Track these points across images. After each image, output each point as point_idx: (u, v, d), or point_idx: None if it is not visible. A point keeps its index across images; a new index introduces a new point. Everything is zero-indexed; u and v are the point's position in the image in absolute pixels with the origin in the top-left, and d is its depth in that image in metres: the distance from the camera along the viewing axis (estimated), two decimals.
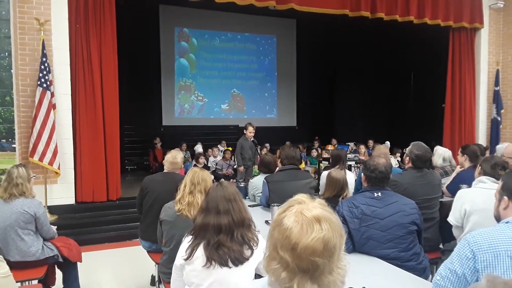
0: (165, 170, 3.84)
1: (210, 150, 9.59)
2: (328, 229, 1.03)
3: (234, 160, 7.25)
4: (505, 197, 1.78)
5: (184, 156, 9.11)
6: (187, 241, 2.04)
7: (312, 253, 1.01)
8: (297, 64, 12.93)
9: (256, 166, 6.61)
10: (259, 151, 7.20)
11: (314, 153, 9.76)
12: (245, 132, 6.66)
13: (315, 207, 1.07)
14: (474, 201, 2.83)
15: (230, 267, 1.93)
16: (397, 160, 7.90)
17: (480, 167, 3.07)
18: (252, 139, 6.68)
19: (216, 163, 9.10)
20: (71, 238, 3.67)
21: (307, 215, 1.04)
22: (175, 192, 3.17)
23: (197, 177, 2.74)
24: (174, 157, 3.78)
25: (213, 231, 1.97)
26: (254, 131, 6.62)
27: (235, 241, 1.96)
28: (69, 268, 3.53)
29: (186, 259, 1.98)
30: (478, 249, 1.53)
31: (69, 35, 5.79)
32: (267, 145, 9.94)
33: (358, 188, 3.94)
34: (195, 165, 8.45)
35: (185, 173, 8.19)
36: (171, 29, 11.32)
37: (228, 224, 1.97)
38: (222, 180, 2.43)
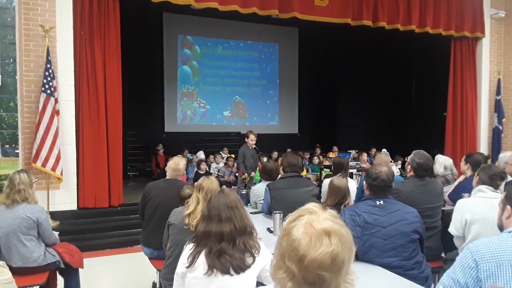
0: (167, 177, 3.85)
1: (211, 156, 9.61)
2: (337, 244, 1.01)
3: (237, 168, 7.24)
4: (508, 206, 1.79)
5: (188, 158, 9.19)
6: (188, 248, 2.05)
7: (319, 267, 0.99)
8: (299, 72, 12.97)
9: (253, 173, 6.62)
10: (260, 158, 7.20)
11: (316, 160, 9.77)
12: (246, 140, 6.65)
13: (326, 219, 1.05)
14: (475, 210, 2.83)
15: (231, 275, 1.93)
16: (399, 168, 7.89)
17: (477, 177, 3.07)
18: (254, 146, 6.69)
19: (219, 170, 9.12)
20: (73, 244, 3.67)
21: (317, 228, 1.02)
22: (179, 200, 3.17)
23: (210, 193, 2.61)
24: (176, 164, 3.80)
25: (215, 239, 1.97)
26: (255, 138, 6.61)
27: (237, 249, 1.96)
28: (71, 274, 3.53)
29: (187, 267, 1.98)
30: (481, 258, 1.53)
31: (73, 42, 5.84)
32: (276, 153, 9.93)
33: (360, 196, 3.94)
34: (196, 172, 8.47)
35: (187, 179, 8.12)
36: (174, 37, 11.39)
37: (230, 232, 1.97)
38: (224, 187, 2.43)
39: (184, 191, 3.23)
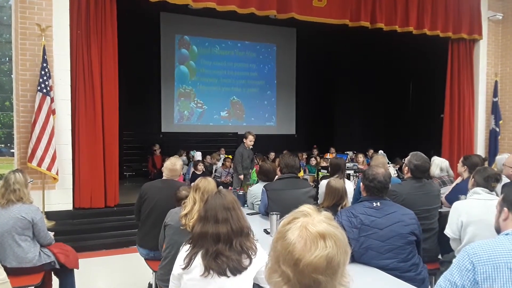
0: (164, 177, 3.83)
1: (208, 157, 9.58)
2: (333, 247, 1.00)
3: (234, 168, 7.21)
4: (505, 209, 1.79)
5: (192, 154, 9.18)
6: (185, 250, 2.03)
7: (315, 271, 0.98)
8: (296, 73, 12.98)
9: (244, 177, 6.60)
10: (256, 159, 7.20)
11: (313, 161, 9.76)
12: (244, 141, 6.65)
13: (321, 221, 1.04)
14: (470, 212, 2.84)
15: (228, 277, 1.92)
16: (396, 170, 7.89)
17: (473, 179, 3.08)
18: (251, 147, 6.69)
19: (215, 170, 9.10)
20: (68, 245, 3.65)
21: (312, 231, 1.01)
22: (176, 201, 3.15)
23: (207, 193, 2.62)
24: (173, 164, 3.78)
25: (212, 240, 1.96)
26: (253, 139, 6.62)
27: (233, 250, 1.95)
28: (66, 274, 3.51)
29: (184, 268, 1.96)
30: (478, 261, 1.52)
31: (70, 41, 5.81)
32: (273, 153, 9.92)
33: (357, 198, 3.93)
34: (193, 172, 8.44)
35: (184, 180, 8.05)
36: (171, 36, 11.37)
37: (226, 233, 1.96)
38: (221, 188, 2.42)
39: (181, 192, 3.21)
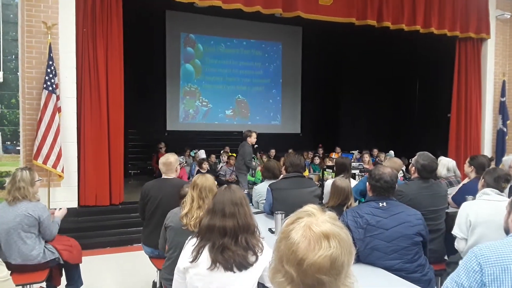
0: (162, 175, 3.79)
1: (213, 156, 9.59)
2: (337, 247, 0.99)
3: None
4: None
5: (191, 155, 9.18)
6: (191, 244, 2.03)
7: (318, 271, 0.98)
8: (302, 71, 12.95)
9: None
10: (261, 158, 7.21)
11: (317, 160, 9.74)
12: (248, 139, 6.67)
13: (325, 221, 1.04)
14: (479, 213, 2.82)
15: (234, 272, 1.92)
16: (402, 170, 7.83)
17: (483, 179, 3.05)
18: (255, 145, 6.72)
19: (220, 169, 9.10)
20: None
21: (316, 231, 1.01)
22: (179, 199, 3.14)
23: (204, 190, 2.65)
24: (166, 159, 3.71)
25: (218, 233, 1.96)
26: (255, 138, 6.68)
27: (239, 246, 1.95)
28: (71, 267, 3.57)
29: (191, 262, 1.96)
30: (486, 262, 1.50)
31: (76, 39, 5.82)
32: (273, 151, 9.94)
33: (360, 189, 3.89)
34: (198, 171, 8.45)
35: (188, 178, 8.06)
36: (177, 35, 11.38)
37: (232, 227, 1.96)
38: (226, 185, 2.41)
39: (184, 190, 3.20)
